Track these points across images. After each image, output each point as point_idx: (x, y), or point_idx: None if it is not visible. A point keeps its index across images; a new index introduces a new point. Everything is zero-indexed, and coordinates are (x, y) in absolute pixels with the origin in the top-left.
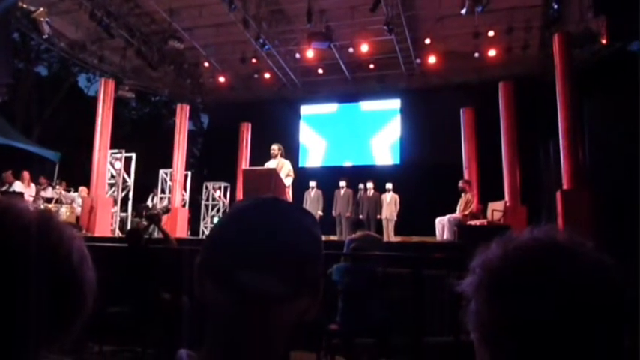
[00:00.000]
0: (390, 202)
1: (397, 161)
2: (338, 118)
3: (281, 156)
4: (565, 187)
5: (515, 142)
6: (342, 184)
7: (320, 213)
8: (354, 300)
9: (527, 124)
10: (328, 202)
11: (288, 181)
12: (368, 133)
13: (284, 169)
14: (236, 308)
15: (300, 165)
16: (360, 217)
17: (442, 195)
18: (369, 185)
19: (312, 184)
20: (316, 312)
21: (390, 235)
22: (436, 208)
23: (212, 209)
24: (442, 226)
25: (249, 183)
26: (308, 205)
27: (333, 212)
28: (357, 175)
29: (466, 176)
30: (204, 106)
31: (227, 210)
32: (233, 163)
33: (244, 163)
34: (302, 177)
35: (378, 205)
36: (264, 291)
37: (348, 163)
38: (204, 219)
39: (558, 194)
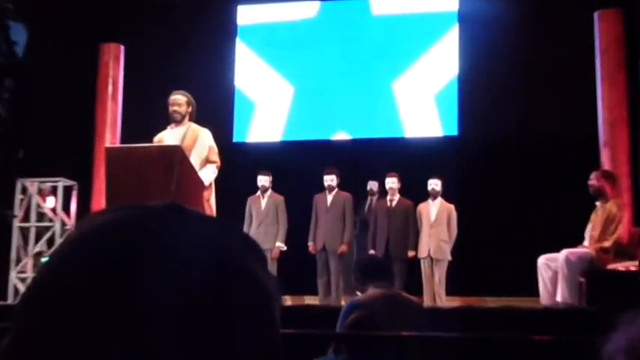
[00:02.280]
0: (438, 220)
1: (451, 131)
2: (320, 33)
3: (191, 118)
4: None
5: None
6: (330, 181)
7: (279, 245)
8: None
9: None
10: (298, 221)
11: (208, 174)
12: (386, 66)
13: (199, 146)
14: None
15: (235, 139)
16: (372, 252)
17: (551, 204)
18: (391, 184)
19: (263, 180)
20: None
21: (438, 295)
22: (538, 232)
23: (37, 239)
24: (552, 272)
25: (121, 177)
26: (253, 227)
27: (310, 243)
28: (362, 162)
29: (605, 163)
30: (17, 9)
31: (68, 238)
32: (85, 134)
33: (109, 137)
34: (239, 165)
35: (409, 228)
36: None
37: (341, 136)
38: (17, 262)
39: None
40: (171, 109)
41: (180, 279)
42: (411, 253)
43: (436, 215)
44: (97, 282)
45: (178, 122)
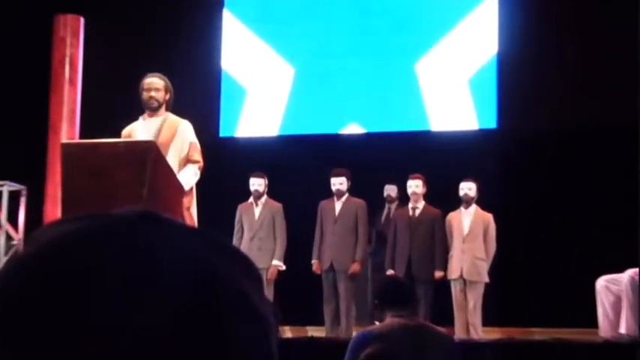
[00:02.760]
0: (473, 232)
1: (488, 123)
2: (327, 1)
3: (168, 108)
4: None
5: None
6: (339, 184)
7: (277, 263)
8: None
9: None
10: (300, 235)
11: (189, 176)
12: (408, 43)
13: (178, 142)
14: None
15: (221, 133)
16: (391, 272)
17: (614, 214)
18: (414, 188)
19: (257, 184)
20: None
21: (473, 325)
22: (596, 248)
23: None
24: (614, 297)
25: (81, 180)
26: (245, 242)
27: (315, 260)
28: (379, 161)
29: None
30: None
31: (16, 257)
32: (35, 127)
33: (66, 130)
34: (227, 165)
35: (437, 243)
36: None
37: (352, 130)
38: None
39: None
40: (145, 95)
41: (155, 304)
42: (438, 274)
43: (470, 227)
44: (52, 308)
45: (153, 112)
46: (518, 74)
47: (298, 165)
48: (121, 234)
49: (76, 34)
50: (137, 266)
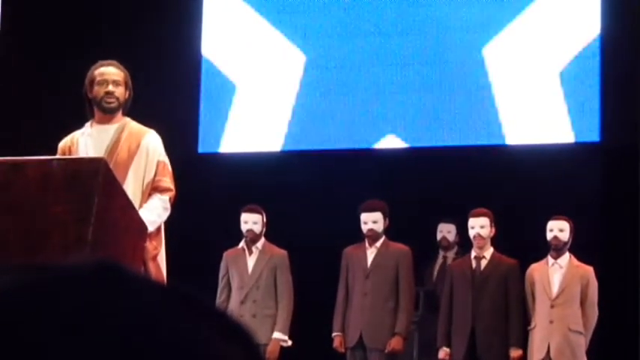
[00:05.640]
0: (566, 293)
1: (588, 135)
2: None
3: (125, 111)
4: None
5: None
6: (372, 223)
7: (279, 337)
8: None
9: None
10: (314, 295)
11: (156, 211)
12: (470, 24)
13: (140, 161)
14: None
15: (201, 148)
16: (446, 351)
17: None
18: (479, 229)
19: (251, 222)
20: None
21: None
22: None
23: None
24: None
25: (1, 213)
26: (233, 304)
27: (337, 333)
28: (428, 189)
29: None
30: None
31: None
32: None
33: None
34: (209, 194)
35: (512, 308)
36: None
37: (390, 143)
38: None
39: None
40: (97, 90)
41: None
42: (515, 353)
43: (561, 285)
44: None
45: (107, 116)
46: (631, 65)
47: (310, 194)
48: (63, 299)
49: None
50: (86, 342)
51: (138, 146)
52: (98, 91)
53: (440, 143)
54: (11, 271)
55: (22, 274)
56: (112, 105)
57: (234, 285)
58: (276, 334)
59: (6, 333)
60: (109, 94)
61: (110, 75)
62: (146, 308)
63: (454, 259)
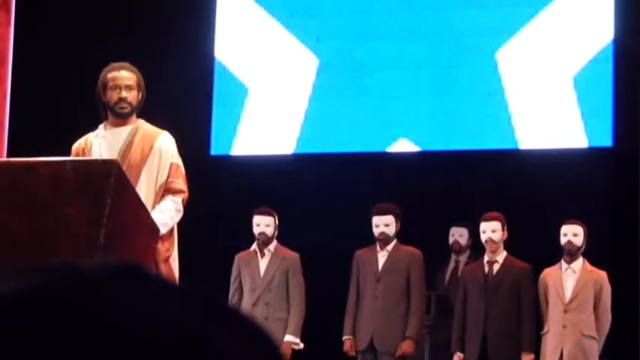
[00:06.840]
0: (580, 298)
1: (601, 139)
2: None
3: (138, 113)
4: None
5: None
6: (384, 226)
7: (291, 340)
8: None
9: None
10: (325, 299)
11: (169, 212)
12: (485, 27)
13: (153, 163)
14: None
15: (213, 150)
16: (459, 357)
17: None
18: (490, 233)
19: (263, 225)
20: None
21: None
22: None
23: None
24: None
25: (12, 214)
26: (245, 306)
27: (348, 337)
28: (440, 193)
29: None
30: None
31: None
32: None
33: None
34: (222, 196)
35: (525, 313)
36: None
37: (402, 147)
38: None
39: None
40: (111, 95)
41: None
42: (528, 358)
43: (575, 290)
44: None
45: (121, 120)
46: None
47: (322, 197)
48: (76, 301)
49: (5, 7)
50: (105, 344)
51: (151, 148)
52: (111, 96)
53: (452, 147)
54: (20, 273)
55: (29, 278)
56: (125, 111)
57: (247, 287)
58: (288, 337)
59: (25, 335)
60: (122, 99)
61: (123, 80)
62: (168, 310)
63: (466, 263)
